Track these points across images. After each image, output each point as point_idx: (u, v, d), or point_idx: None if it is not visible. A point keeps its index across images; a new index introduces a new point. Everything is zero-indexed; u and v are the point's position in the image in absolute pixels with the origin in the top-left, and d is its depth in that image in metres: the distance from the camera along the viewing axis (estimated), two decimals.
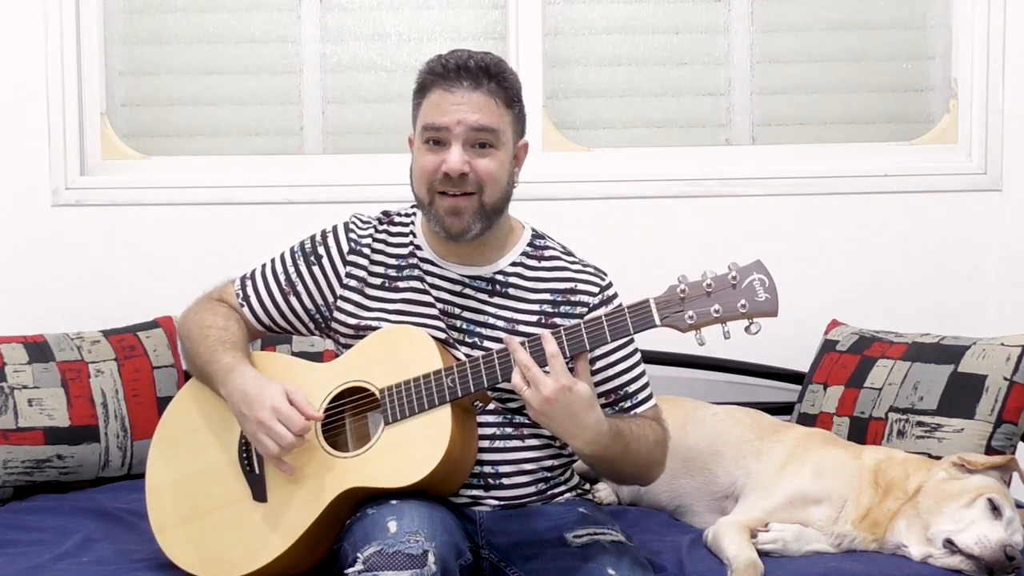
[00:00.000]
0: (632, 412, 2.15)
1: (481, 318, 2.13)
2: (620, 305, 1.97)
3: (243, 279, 2.26)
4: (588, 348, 1.94)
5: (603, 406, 2.05)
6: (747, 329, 1.90)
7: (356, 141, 3.27)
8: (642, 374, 2.19)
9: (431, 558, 1.83)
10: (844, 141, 3.26)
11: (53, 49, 3.11)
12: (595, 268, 2.21)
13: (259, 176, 3.20)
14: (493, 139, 2.05)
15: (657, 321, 1.91)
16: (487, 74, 2.04)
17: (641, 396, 2.17)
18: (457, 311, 2.14)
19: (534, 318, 2.14)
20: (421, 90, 2.10)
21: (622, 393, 2.15)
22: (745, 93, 3.27)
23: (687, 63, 3.27)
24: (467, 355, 2.09)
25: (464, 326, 2.13)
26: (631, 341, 2.16)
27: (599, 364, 2.13)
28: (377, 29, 3.26)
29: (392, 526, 1.87)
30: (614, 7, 3.26)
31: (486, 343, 2.11)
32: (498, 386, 2.02)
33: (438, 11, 3.25)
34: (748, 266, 1.91)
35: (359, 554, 1.86)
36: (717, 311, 1.89)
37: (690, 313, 1.90)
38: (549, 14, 3.22)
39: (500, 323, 2.12)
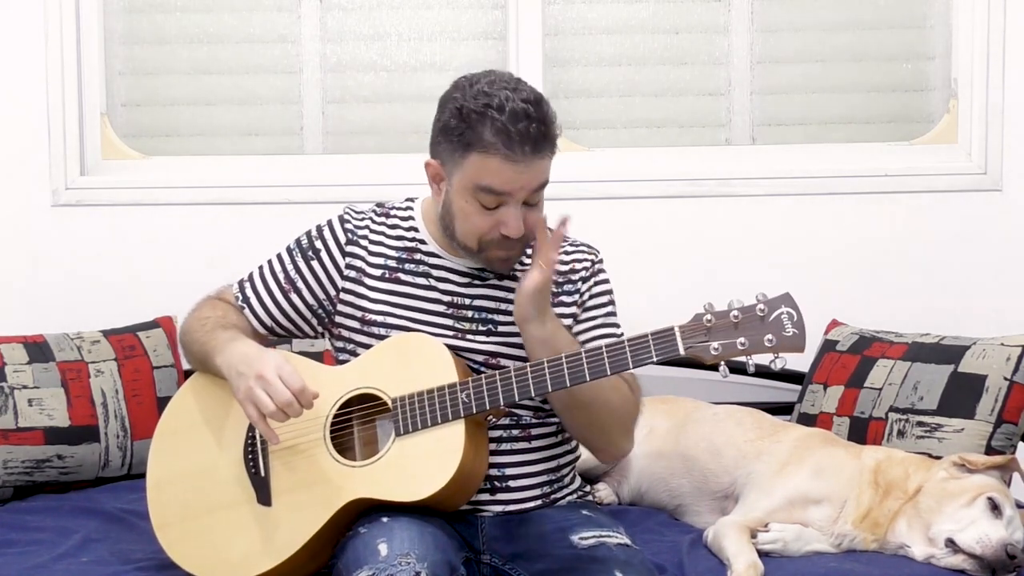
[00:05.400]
0: None
1: (493, 304, 2.13)
2: (644, 333, 1.92)
3: (241, 283, 2.23)
4: (608, 374, 1.92)
5: None
6: (771, 363, 1.87)
7: (356, 141, 3.27)
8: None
9: None
10: (844, 141, 3.25)
11: (53, 49, 3.11)
12: (586, 245, 2.25)
13: (259, 176, 3.19)
14: (542, 187, 2.05)
15: (681, 350, 1.88)
16: (547, 139, 1.99)
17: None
18: (467, 301, 2.13)
19: None
20: (470, 144, 1.98)
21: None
22: (745, 93, 3.27)
23: (687, 63, 3.27)
24: (482, 342, 2.10)
25: (475, 315, 2.12)
26: (616, 323, 2.21)
27: (586, 324, 2.17)
28: (377, 29, 3.25)
29: (383, 549, 1.86)
30: (614, 7, 3.26)
31: (500, 328, 2.12)
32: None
33: (438, 11, 3.24)
34: (777, 299, 1.87)
35: None
36: (743, 344, 1.86)
37: (715, 344, 1.86)
38: (549, 14, 3.22)
39: (512, 307, 2.09)
